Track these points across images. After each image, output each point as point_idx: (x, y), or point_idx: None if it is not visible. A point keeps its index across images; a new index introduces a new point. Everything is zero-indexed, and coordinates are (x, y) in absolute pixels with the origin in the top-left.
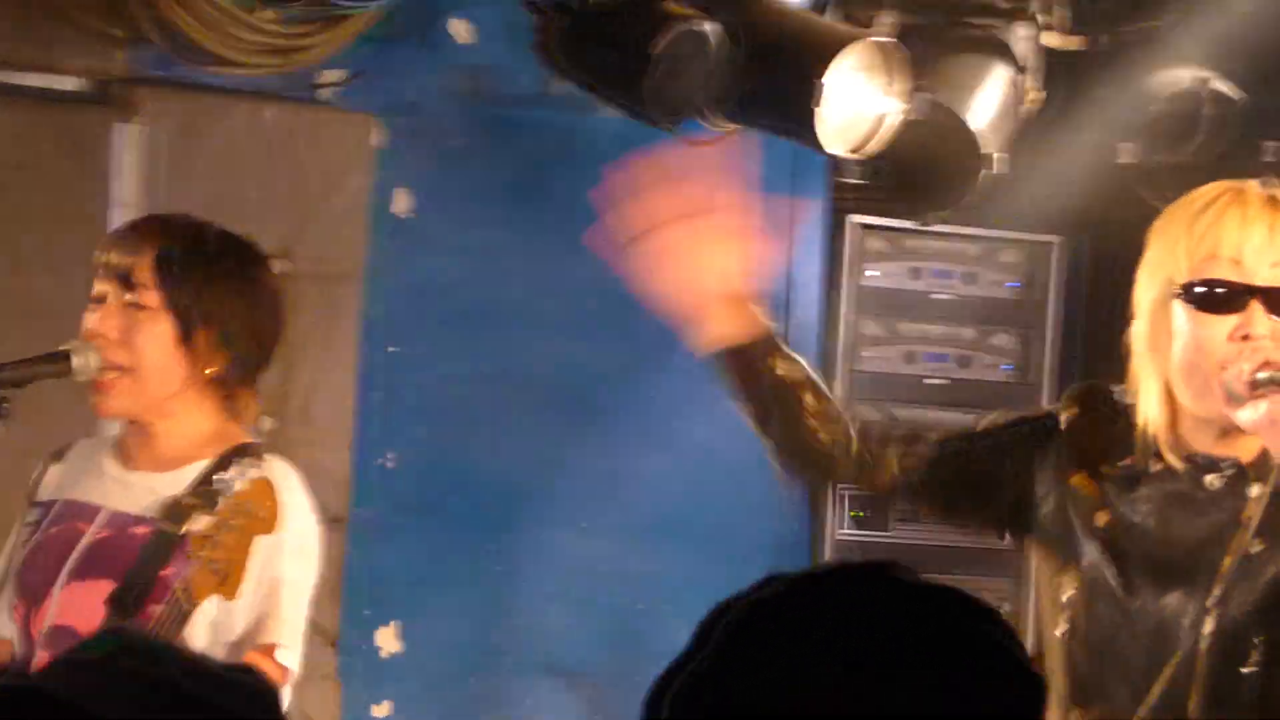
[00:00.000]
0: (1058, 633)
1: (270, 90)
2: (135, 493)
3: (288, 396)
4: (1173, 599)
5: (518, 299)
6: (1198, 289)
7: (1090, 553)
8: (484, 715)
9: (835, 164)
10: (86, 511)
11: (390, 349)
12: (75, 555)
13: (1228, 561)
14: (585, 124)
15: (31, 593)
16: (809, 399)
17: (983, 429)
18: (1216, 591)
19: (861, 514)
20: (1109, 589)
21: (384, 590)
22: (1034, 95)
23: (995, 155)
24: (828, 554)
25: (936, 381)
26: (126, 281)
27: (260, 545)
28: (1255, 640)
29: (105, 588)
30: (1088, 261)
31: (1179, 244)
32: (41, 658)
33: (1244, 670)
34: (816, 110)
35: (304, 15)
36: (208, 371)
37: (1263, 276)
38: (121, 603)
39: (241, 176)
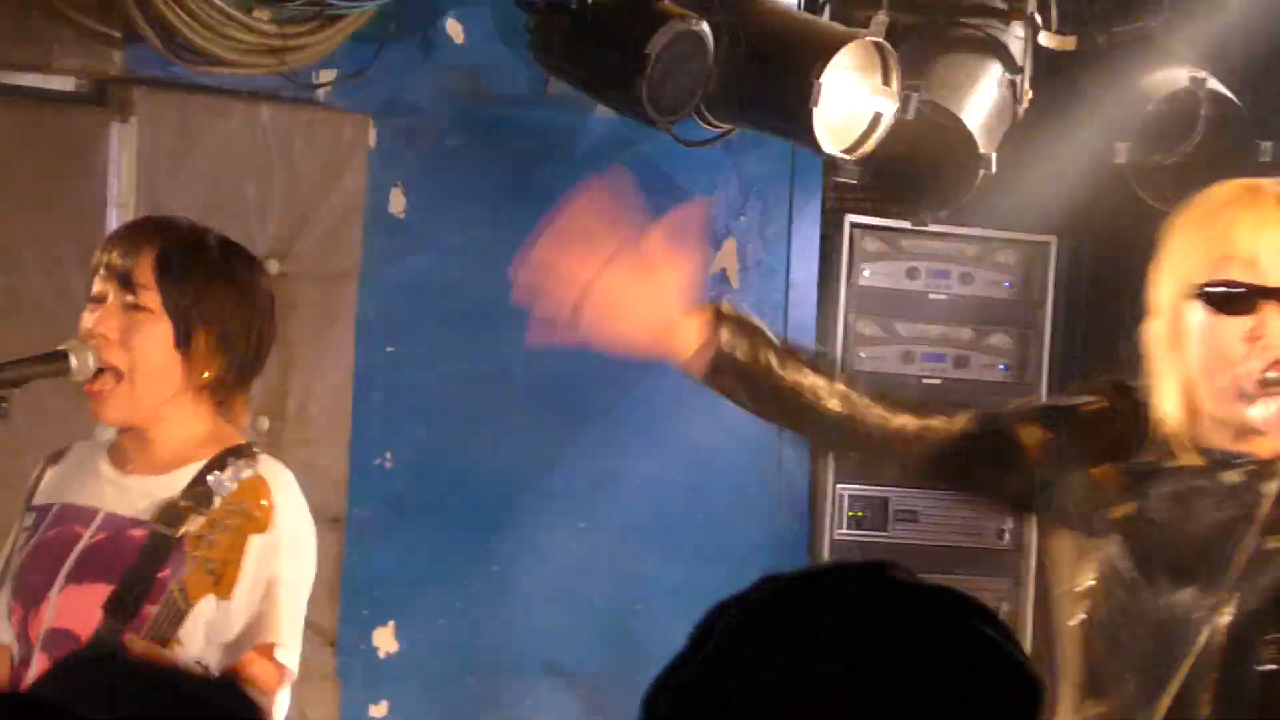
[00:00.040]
0: (1073, 622)
1: (266, 90)
2: (131, 496)
3: (285, 396)
4: (1187, 594)
5: (513, 299)
6: (1212, 290)
7: (1109, 544)
8: (481, 715)
9: (832, 164)
10: (83, 515)
11: (387, 349)
12: (72, 558)
13: (1240, 559)
14: (581, 124)
15: (29, 596)
16: (801, 380)
17: (1015, 409)
18: (1229, 588)
19: (860, 514)
20: (1125, 581)
21: (381, 590)
22: (1029, 95)
23: (991, 155)
24: (826, 554)
25: (933, 381)
26: (127, 282)
27: (255, 544)
28: (1267, 638)
29: (102, 591)
30: (1084, 261)
31: (1194, 244)
32: (40, 661)
33: (1256, 668)
34: (813, 110)
35: (299, 15)
36: (204, 376)
37: (1276, 277)
38: (118, 605)
39: (237, 176)
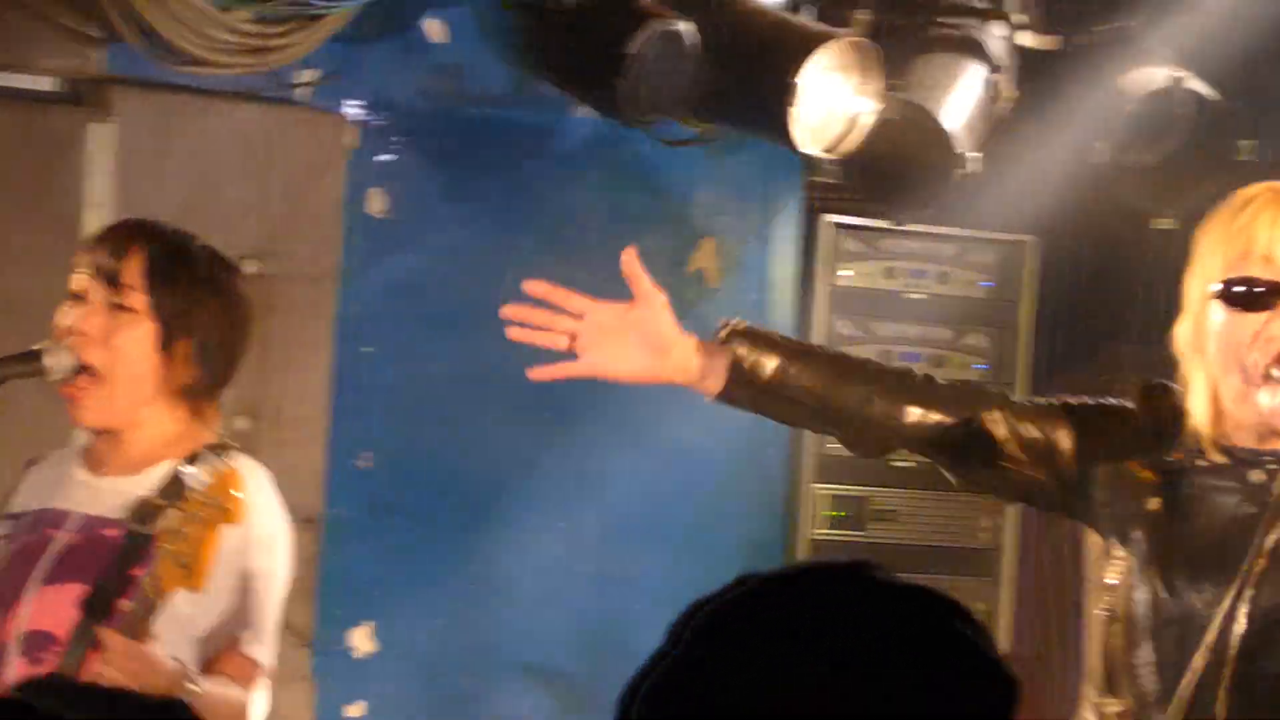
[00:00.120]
0: (1099, 614)
1: (245, 90)
2: (104, 496)
3: (263, 396)
4: (1207, 593)
5: (493, 299)
6: (1229, 286)
7: (1135, 541)
8: (458, 715)
9: (810, 163)
10: (57, 517)
11: (365, 349)
12: (46, 560)
13: (1259, 557)
14: (562, 124)
15: (4, 600)
16: (833, 388)
17: (1045, 404)
18: (1248, 586)
19: (838, 513)
20: (1146, 578)
21: (358, 591)
22: (1008, 95)
23: (969, 154)
24: (803, 554)
25: None
26: (113, 282)
27: (227, 537)
28: None
29: (78, 591)
30: (1062, 261)
31: (1217, 243)
32: (17, 664)
33: (1274, 669)
34: (791, 110)
35: (279, 15)
36: (181, 382)
37: None
38: (94, 605)
39: (216, 176)
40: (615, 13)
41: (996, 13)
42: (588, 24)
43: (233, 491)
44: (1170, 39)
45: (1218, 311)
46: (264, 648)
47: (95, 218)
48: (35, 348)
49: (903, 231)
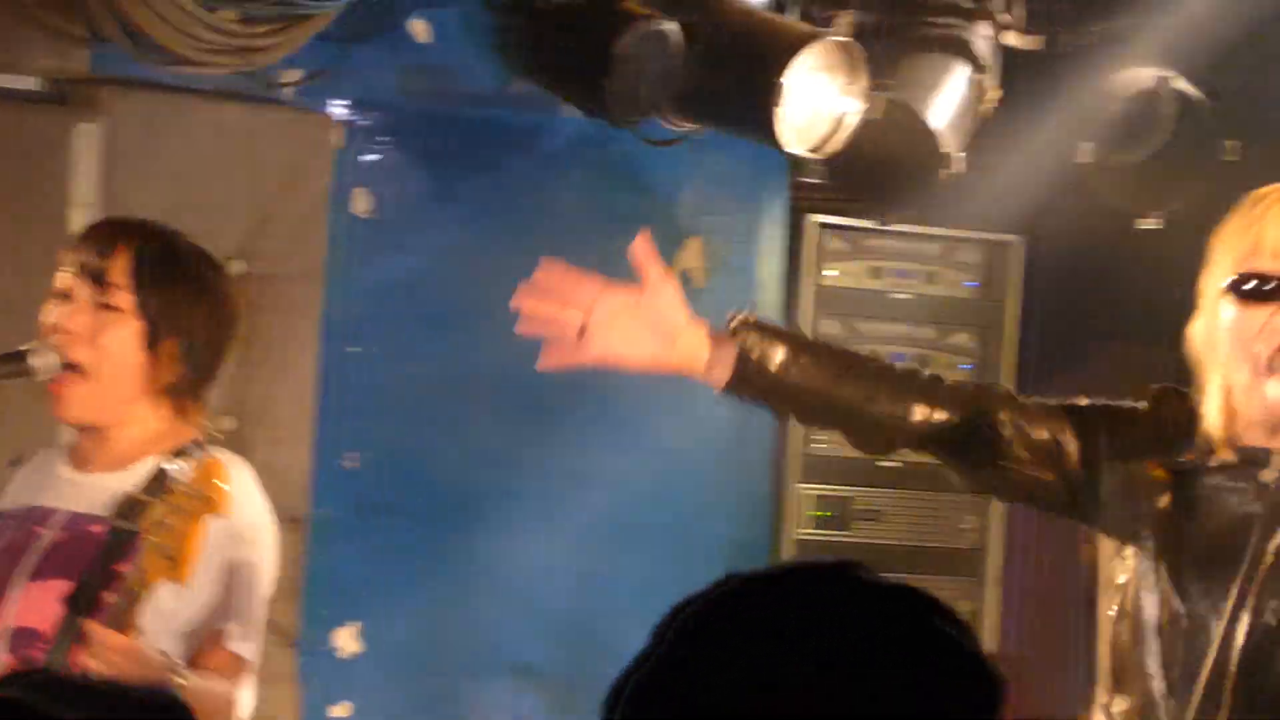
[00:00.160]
0: (1109, 613)
1: (231, 90)
2: (90, 493)
3: (249, 396)
4: (1216, 592)
5: (478, 299)
6: (1237, 282)
7: (1145, 541)
8: (444, 715)
9: (795, 163)
10: (43, 515)
11: (350, 349)
12: (32, 557)
13: (1266, 556)
14: (547, 123)
15: None
16: (834, 391)
17: (1052, 405)
18: (1255, 586)
19: (822, 513)
20: (1158, 578)
21: (343, 591)
22: (994, 94)
23: (955, 154)
24: (789, 554)
25: None
26: (99, 281)
27: (212, 529)
28: None
29: (63, 587)
30: (1048, 261)
31: (1229, 241)
32: (4, 660)
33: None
34: (776, 110)
35: (265, 14)
36: (166, 380)
37: None
38: (79, 600)
39: (202, 176)
40: (601, 13)
41: (982, 13)
42: (574, 24)
43: (216, 482)
44: (1155, 39)
45: (1228, 307)
46: (250, 644)
47: (81, 218)
48: (21, 349)
49: (888, 231)
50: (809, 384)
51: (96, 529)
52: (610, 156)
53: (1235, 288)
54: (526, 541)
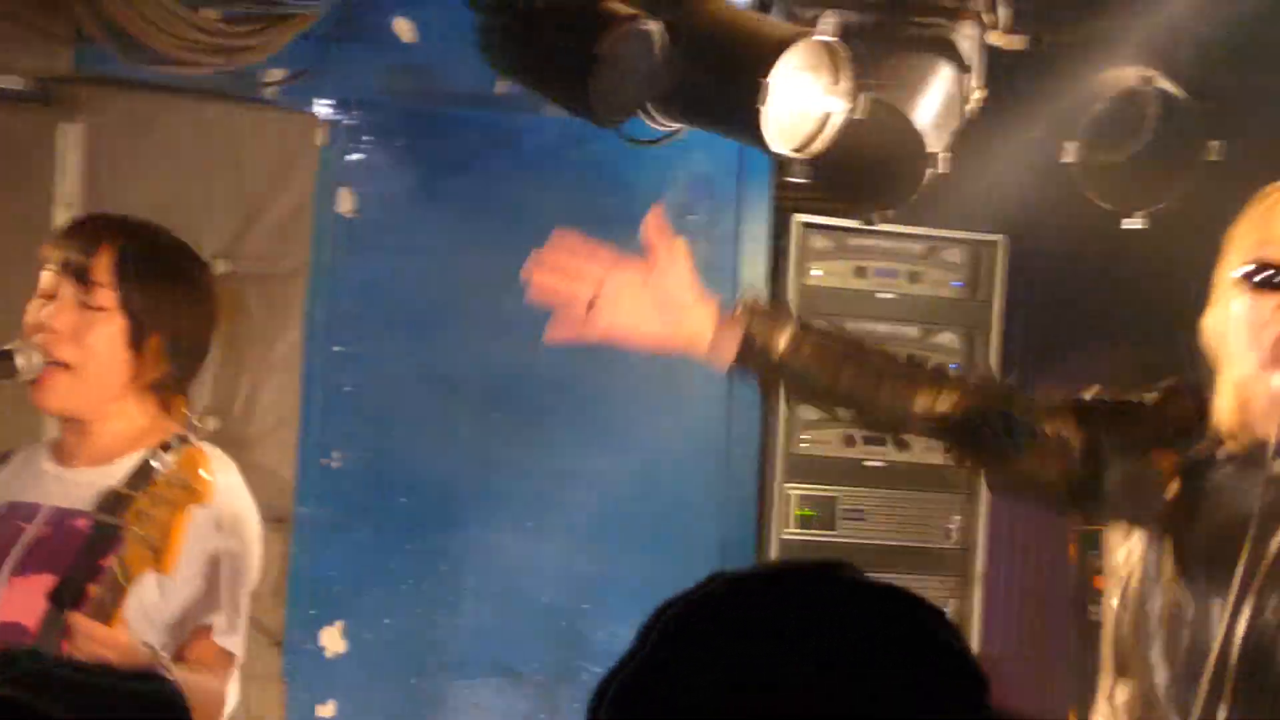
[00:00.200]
0: (1113, 602)
1: (215, 89)
2: (73, 488)
3: (233, 396)
4: (1218, 585)
5: (463, 298)
6: (1247, 272)
7: (1152, 532)
8: (429, 715)
9: (780, 163)
10: (27, 510)
11: (335, 349)
12: (16, 553)
13: (1271, 549)
14: (531, 123)
15: None
16: (839, 376)
17: (1057, 399)
18: (1259, 579)
19: (808, 513)
20: (1164, 569)
21: (328, 590)
22: (978, 94)
23: (940, 154)
24: (773, 554)
25: None
26: (83, 279)
27: (194, 519)
28: None
29: (47, 582)
30: (1032, 260)
31: (1241, 235)
32: None
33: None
34: (761, 109)
35: (248, 14)
36: (151, 377)
37: None
38: (63, 594)
39: (185, 175)
40: (585, 12)
41: (967, 12)
42: (558, 24)
43: (200, 472)
44: (1139, 39)
45: (1240, 297)
46: (235, 637)
47: (65, 217)
48: (6, 348)
49: (872, 231)
50: (812, 370)
51: (80, 523)
52: (594, 156)
53: (1248, 278)
54: (512, 541)
